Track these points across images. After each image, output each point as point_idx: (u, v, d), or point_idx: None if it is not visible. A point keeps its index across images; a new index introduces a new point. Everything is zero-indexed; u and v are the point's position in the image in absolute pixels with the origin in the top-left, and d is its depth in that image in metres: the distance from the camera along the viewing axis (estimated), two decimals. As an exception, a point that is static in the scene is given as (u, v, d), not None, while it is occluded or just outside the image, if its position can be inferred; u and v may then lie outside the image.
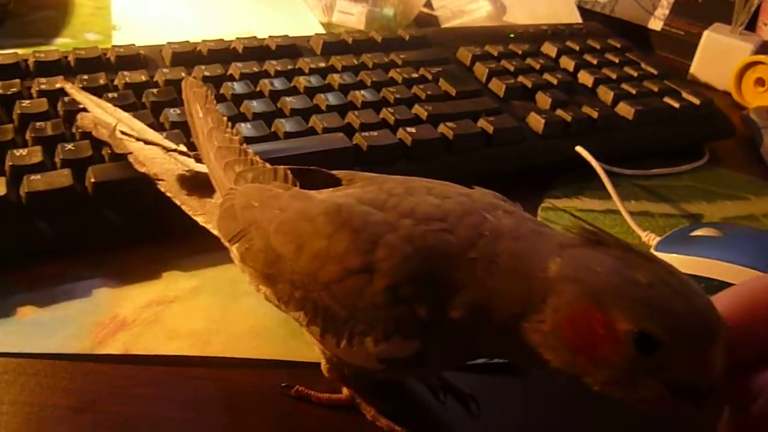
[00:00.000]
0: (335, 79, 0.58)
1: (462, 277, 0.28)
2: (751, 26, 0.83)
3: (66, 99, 0.50)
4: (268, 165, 0.39)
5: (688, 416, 0.24)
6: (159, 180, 0.43)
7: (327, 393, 0.37)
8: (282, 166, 0.38)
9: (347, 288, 0.30)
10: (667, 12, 0.88)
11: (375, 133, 0.52)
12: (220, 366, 0.38)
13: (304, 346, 0.39)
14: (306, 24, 0.79)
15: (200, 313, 0.41)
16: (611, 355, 0.24)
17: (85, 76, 0.53)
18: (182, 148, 0.44)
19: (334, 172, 0.38)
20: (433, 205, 0.31)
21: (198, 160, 0.42)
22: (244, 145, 0.40)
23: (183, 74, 0.55)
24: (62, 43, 0.70)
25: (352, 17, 0.78)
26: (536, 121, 0.58)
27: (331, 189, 0.36)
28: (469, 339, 0.29)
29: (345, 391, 0.37)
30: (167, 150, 0.44)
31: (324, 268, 0.31)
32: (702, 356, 0.23)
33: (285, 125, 0.51)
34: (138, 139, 0.44)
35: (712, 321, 0.24)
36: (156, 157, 0.44)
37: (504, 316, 0.27)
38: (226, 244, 0.38)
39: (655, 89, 0.66)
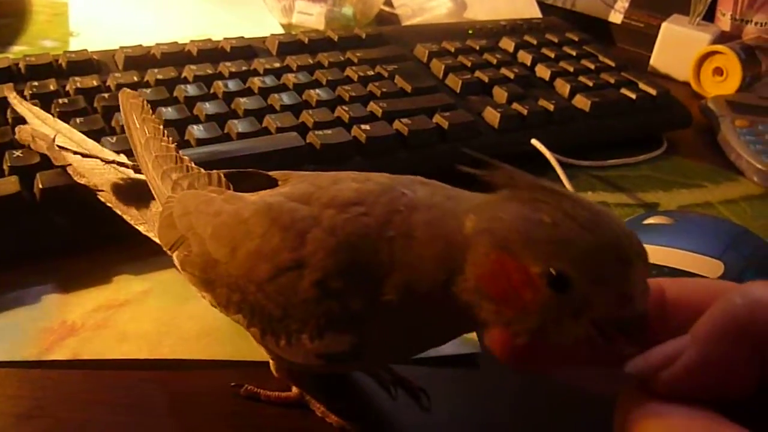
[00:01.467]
0: (290, 78, 0.58)
1: (385, 258, 0.28)
2: (710, 17, 0.84)
3: (11, 103, 0.49)
4: (202, 170, 0.39)
5: (624, 353, 0.23)
6: (99, 191, 0.42)
7: (276, 391, 0.37)
8: (216, 171, 0.38)
9: (279, 286, 0.30)
10: (626, 5, 0.89)
11: (329, 132, 0.52)
12: (169, 368, 0.38)
13: (253, 346, 0.38)
14: (265, 26, 0.79)
15: (150, 316, 0.41)
16: (532, 300, 0.24)
17: (36, 83, 0.52)
18: (121, 158, 0.43)
19: (271, 173, 0.38)
20: (352, 189, 0.30)
21: (137, 169, 0.42)
22: (180, 153, 0.40)
23: (135, 78, 0.55)
24: (19, 51, 0.69)
25: (312, 18, 0.78)
26: (492, 115, 0.59)
27: (267, 190, 0.36)
28: (409, 322, 0.29)
29: (294, 389, 0.37)
30: (106, 161, 0.43)
31: (257, 268, 0.31)
32: (617, 285, 0.23)
33: (238, 126, 0.51)
34: (76, 152, 0.44)
35: (623, 249, 0.23)
36: (95, 167, 0.43)
37: (433, 287, 0.27)
38: (168, 252, 0.38)
39: (612, 81, 0.67)
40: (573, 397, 0.38)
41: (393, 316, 0.29)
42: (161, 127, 0.41)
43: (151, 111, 0.42)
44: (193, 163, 0.40)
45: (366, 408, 0.37)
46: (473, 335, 0.41)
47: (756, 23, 0.81)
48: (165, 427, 0.35)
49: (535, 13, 0.86)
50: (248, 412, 0.36)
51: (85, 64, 0.56)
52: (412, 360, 0.39)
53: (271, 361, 0.36)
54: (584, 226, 0.23)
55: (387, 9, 0.86)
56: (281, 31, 0.77)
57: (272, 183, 0.37)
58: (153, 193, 0.39)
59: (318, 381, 0.37)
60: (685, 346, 0.22)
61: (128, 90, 0.44)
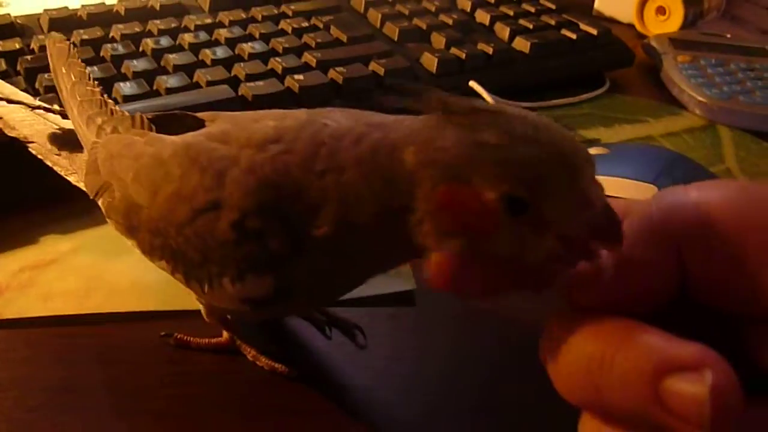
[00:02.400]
0: (222, 33, 0.57)
1: (316, 194, 0.27)
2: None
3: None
4: (126, 113, 0.38)
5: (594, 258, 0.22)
6: (30, 142, 0.41)
7: (207, 338, 0.36)
8: (139, 113, 0.37)
9: (197, 229, 0.29)
10: (569, -50, 0.88)
11: (261, 83, 0.51)
12: (98, 323, 0.37)
13: (184, 295, 0.38)
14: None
15: (78, 273, 0.40)
16: (492, 225, 0.23)
17: (-46, 48, 0.51)
18: (47, 105, 0.42)
19: (198, 114, 0.37)
20: (270, 127, 0.29)
21: (64, 115, 0.41)
22: (105, 96, 0.39)
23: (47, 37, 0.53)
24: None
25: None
26: (429, 60, 0.58)
27: (191, 132, 0.35)
28: (345, 256, 0.28)
29: (225, 334, 0.36)
30: (32, 108, 0.42)
31: (175, 210, 0.30)
32: (571, 193, 0.22)
33: (167, 81, 0.50)
34: (1, 99, 0.42)
35: (569, 156, 0.22)
36: (25, 119, 0.42)
37: (375, 222, 0.26)
38: (93, 199, 0.37)
39: (553, 23, 0.66)
40: (508, 334, 0.38)
41: (326, 249, 0.27)
42: (87, 71, 0.40)
43: (77, 57, 0.41)
44: (117, 106, 0.38)
45: (299, 350, 0.37)
46: (409, 272, 0.41)
47: (697, -39, 0.81)
48: (92, 379, 0.35)
49: (478, -38, 0.85)
50: (180, 360, 0.36)
51: (6, 28, 0.55)
52: (347, 301, 0.39)
53: (202, 308, 0.36)
54: (527, 142, 0.22)
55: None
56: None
57: (200, 125, 0.36)
58: (80, 139, 0.38)
59: (249, 324, 0.37)
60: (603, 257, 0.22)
61: (55, 34, 0.43)
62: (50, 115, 0.43)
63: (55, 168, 0.41)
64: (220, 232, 0.29)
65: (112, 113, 0.38)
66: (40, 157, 0.41)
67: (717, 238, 0.21)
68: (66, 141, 0.40)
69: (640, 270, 0.22)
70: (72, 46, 0.42)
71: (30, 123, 0.42)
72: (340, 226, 0.27)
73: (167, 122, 0.36)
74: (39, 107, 0.42)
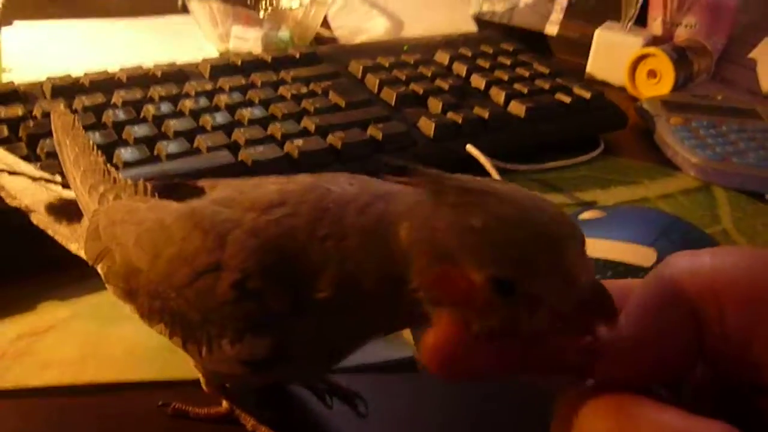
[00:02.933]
0: (222, 99, 0.58)
1: (317, 258, 0.27)
2: (642, 22, 0.86)
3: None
4: (129, 181, 0.38)
5: (592, 334, 0.22)
6: (31, 212, 0.42)
7: (206, 408, 0.36)
8: (142, 181, 0.37)
9: (198, 289, 0.30)
10: (561, 16, 0.90)
11: (261, 148, 0.52)
12: (95, 393, 0.37)
13: (183, 364, 0.37)
14: (203, 54, 0.78)
15: (75, 341, 0.40)
16: (484, 304, 0.23)
17: (-41, 115, 0.51)
18: (49, 176, 0.43)
19: (199, 182, 0.37)
20: (274, 191, 0.30)
21: (66, 186, 0.42)
22: (108, 165, 0.40)
23: (62, 106, 0.54)
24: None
25: (249, 43, 0.78)
26: (427, 125, 0.59)
27: (194, 199, 0.35)
28: (344, 320, 0.28)
29: (224, 403, 0.36)
30: (34, 179, 0.43)
31: (176, 272, 0.30)
32: (557, 271, 0.22)
33: (167, 147, 0.51)
34: (2, 170, 0.43)
35: (554, 236, 0.22)
36: (27, 188, 0.43)
37: (376, 289, 0.26)
38: (93, 265, 0.37)
39: (547, 87, 0.68)
40: (513, 401, 0.38)
41: (327, 312, 0.28)
42: (91, 142, 0.41)
43: (81, 128, 0.42)
44: (120, 174, 0.39)
45: (300, 419, 0.36)
46: (409, 337, 0.41)
47: (686, 25, 0.83)
48: (88, 451, 0.34)
49: (472, 28, 0.87)
50: (178, 430, 0.35)
51: (10, 95, 0.55)
52: (350, 368, 0.38)
53: (201, 377, 0.35)
54: (513, 225, 0.23)
55: (324, 31, 0.87)
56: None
57: (201, 193, 0.36)
58: (81, 209, 0.39)
59: (250, 393, 0.36)
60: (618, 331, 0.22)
61: (60, 108, 0.44)
62: (51, 185, 0.43)
63: (55, 237, 0.41)
64: (220, 292, 0.29)
65: (115, 181, 0.38)
66: (41, 226, 0.41)
67: (733, 305, 0.21)
68: (66, 211, 0.41)
69: (658, 342, 0.22)
70: (76, 117, 0.43)
71: (32, 193, 0.42)
72: (340, 290, 0.27)
73: (169, 190, 0.37)
74: (41, 178, 0.42)
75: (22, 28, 0.83)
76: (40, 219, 0.41)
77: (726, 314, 0.21)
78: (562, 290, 0.22)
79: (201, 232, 0.30)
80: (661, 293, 0.22)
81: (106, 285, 0.36)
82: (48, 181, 0.42)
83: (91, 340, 0.40)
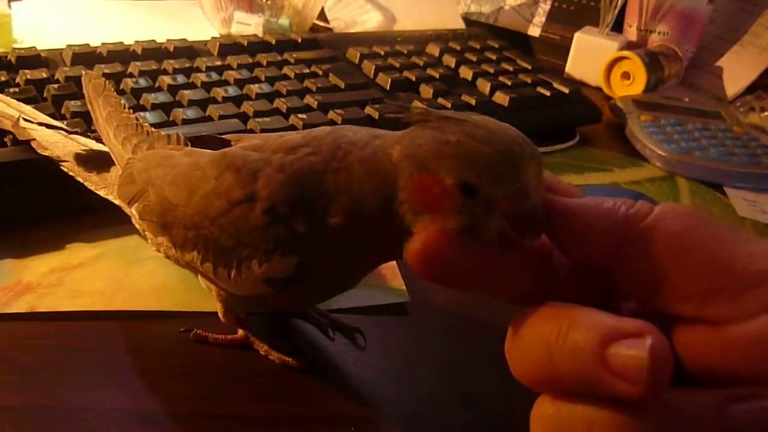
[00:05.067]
0: (231, 75, 0.62)
1: (331, 187, 0.32)
2: (618, 29, 0.92)
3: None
4: (162, 133, 0.42)
5: (527, 240, 0.27)
6: (62, 161, 0.46)
7: (223, 334, 0.40)
8: (175, 132, 0.42)
9: (232, 218, 0.34)
10: (543, 19, 0.96)
11: (268, 119, 0.57)
12: (122, 318, 0.41)
13: (202, 298, 0.42)
14: (205, 36, 0.82)
15: (103, 276, 0.44)
16: (451, 206, 0.28)
17: (-13, 75, 0.55)
18: (80, 131, 0.47)
19: (224, 135, 0.42)
20: (298, 137, 0.35)
21: (98, 140, 0.46)
22: (140, 120, 0.44)
23: (83, 72, 0.58)
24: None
25: (250, 28, 0.83)
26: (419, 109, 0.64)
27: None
28: (354, 241, 0.33)
29: (240, 331, 0.40)
30: (69, 132, 0.47)
31: (212, 205, 0.35)
32: (512, 183, 0.27)
33: (183, 113, 0.55)
34: (41, 124, 0.47)
35: (515, 154, 0.27)
36: (59, 141, 0.47)
37: (374, 210, 0.31)
38: (125, 207, 0.41)
39: (529, 81, 0.73)
40: (489, 335, 0.43)
41: (339, 235, 0.33)
42: (122, 101, 0.45)
43: (112, 90, 0.46)
44: (152, 127, 0.43)
45: (306, 347, 0.41)
46: (401, 285, 0.45)
47: (659, 32, 0.89)
48: (117, 366, 0.38)
49: (460, 26, 0.93)
50: (198, 353, 0.40)
51: (33, 60, 0.59)
52: (349, 309, 0.43)
53: (219, 308, 0.40)
54: (482, 141, 0.28)
55: (321, 23, 0.91)
56: (221, 40, 0.81)
57: (227, 144, 0.41)
58: (114, 160, 0.43)
59: (262, 324, 0.41)
60: None
61: (90, 71, 0.48)
62: (81, 138, 0.47)
63: (85, 183, 0.45)
64: (253, 219, 0.34)
65: (148, 134, 0.43)
66: (71, 174, 0.46)
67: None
68: (96, 161, 0.45)
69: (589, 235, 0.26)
70: (106, 81, 0.47)
71: (63, 145, 0.46)
72: (348, 215, 0.32)
73: (197, 143, 0.41)
74: (75, 132, 0.47)
75: (31, 2, 0.87)
76: (71, 167, 0.46)
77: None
78: (514, 200, 0.27)
79: (234, 171, 0.35)
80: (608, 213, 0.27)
81: (139, 223, 0.40)
82: (82, 134, 0.47)
83: (118, 276, 0.44)
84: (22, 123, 0.47)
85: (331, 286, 0.37)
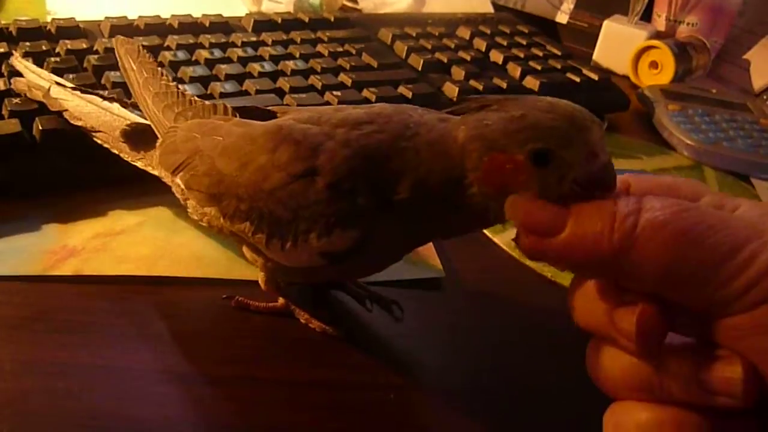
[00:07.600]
0: (266, 51, 0.63)
1: (399, 164, 0.33)
2: (647, 18, 0.92)
3: (10, 61, 0.53)
4: (207, 103, 0.43)
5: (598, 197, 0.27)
6: (96, 132, 0.46)
7: (264, 302, 0.41)
8: (222, 102, 0.42)
9: (292, 191, 0.35)
10: (571, 6, 0.96)
11: (304, 95, 0.57)
12: (165, 284, 0.42)
13: (242, 267, 0.43)
14: (236, 12, 0.83)
15: (146, 242, 0.45)
16: (524, 181, 0.29)
17: (27, 44, 0.56)
18: (116, 100, 0.47)
19: (270, 107, 0.42)
20: (361, 113, 0.35)
21: (135, 108, 0.46)
22: (182, 88, 0.44)
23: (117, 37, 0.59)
24: (-1, 26, 0.72)
25: (281, 6, 0.83)
26: (451, 89, 0.64)
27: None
28: (413, 221, 0.34)
29: (281, 300, 0.41)
30: (104, 99, 0.47)
31: (269, 177, 0.35)
32: (582, 145, 0.28)
33: (221, 87, 0.56)
34: (75, 88, 0.47)
35: (579, 119, 0.29)
36: (92, 111, 0.47)
37: (440, 190, 0.32)
38: (168, 177, 0.42)
39: (559, 66, 0.73)
40: (516, 314, 0.44)
41: (402, 213, 0.33)
42: (159, 68, 0.45)
43: (148, 56, 0.46)
44: (196, 96, 0.44)
45: (344, 317, 0.42)
46: (437, 262, 0.46)
47: (688, 23, 0.89)
48: (159, 330, 0.39)
49: (489, 10, 0.93)
50: (239, 319, 0.41)
51: (72, 30, 0.60)
52: (387, 282, 0.44)
53: (260, 276, 0.41)
54: (545, 111, 0.29)
55: (350, 4, 0.92)
56: (252, 17, 0.82)
57: (273, 116, 0.41)
58: (153, 128, 0.43)
59: (300, 294, 0.42)
60: None
61: (122, 37, 0.48)
62: (117, 108, 0.47)
63: (121, 155, 0.45)
64: (315, 193, 0.34)
65: (191, 102, 0.43)
66: (105, 145, 0.46)
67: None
68: (133, 132, 0.45)
69: None
70: (140, 45, 0.47)
71: (96, 115, 0.47)
72: (414, 193, 0.33)
73: (244, 112, 0.42)
74: (111, 98, 0.47)
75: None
76: (106, 138, 0.46)
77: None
78: (585, 162, 0.28)
79: (293, 144, 0.35)
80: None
81: (186, 192, 0.40)
82: (119, 102, 0.47)
83: (159, 243, 0.45)
84: (53, 93, 0.48)
85: (383, 261, 0.38)
